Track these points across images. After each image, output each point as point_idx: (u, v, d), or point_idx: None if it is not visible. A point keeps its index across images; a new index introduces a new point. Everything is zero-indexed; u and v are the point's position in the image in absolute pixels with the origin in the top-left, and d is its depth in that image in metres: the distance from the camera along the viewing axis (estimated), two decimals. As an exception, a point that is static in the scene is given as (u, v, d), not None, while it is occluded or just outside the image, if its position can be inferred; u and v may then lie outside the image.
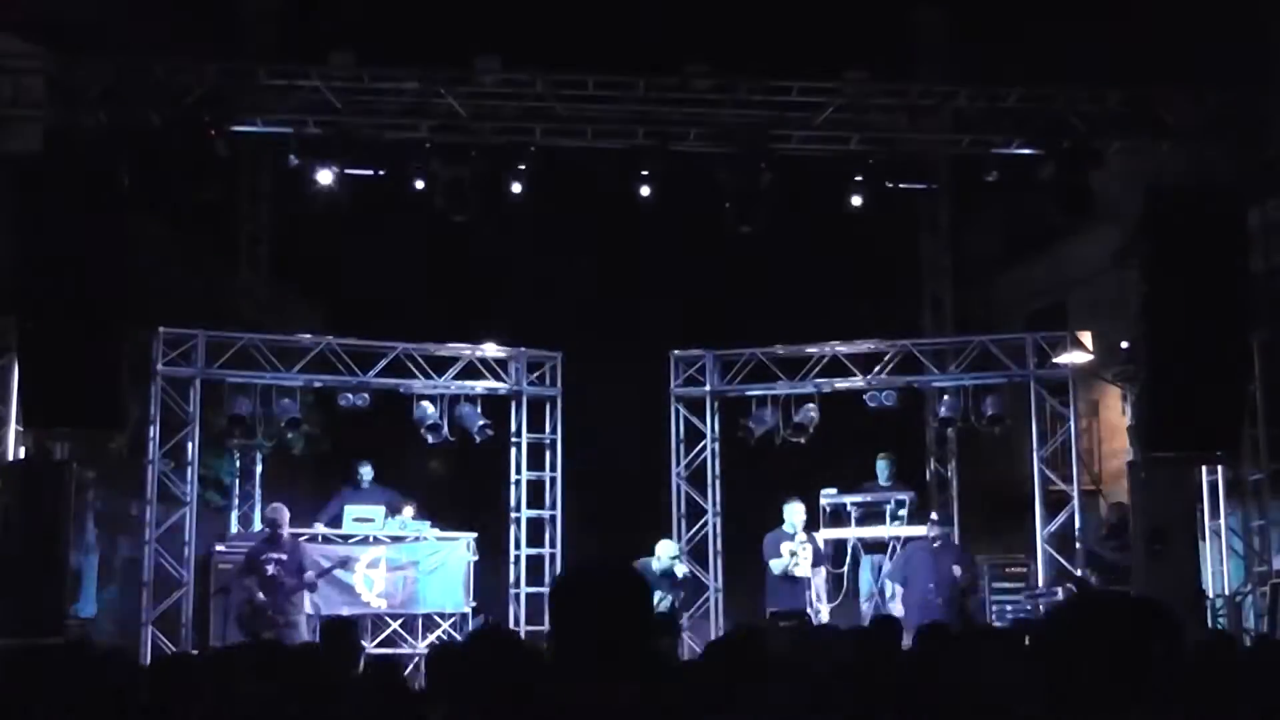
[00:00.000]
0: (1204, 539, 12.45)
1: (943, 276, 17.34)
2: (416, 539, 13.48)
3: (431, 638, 13.13)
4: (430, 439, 13.89)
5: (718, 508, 14.56)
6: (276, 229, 16.71)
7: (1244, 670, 4.75)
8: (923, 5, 16.75)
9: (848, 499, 13.61)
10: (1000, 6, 14.83)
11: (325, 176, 11.50)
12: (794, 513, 12.58)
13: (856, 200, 12.06)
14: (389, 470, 14.22)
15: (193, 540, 12.96)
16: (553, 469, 14.60)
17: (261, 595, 11.53)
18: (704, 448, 14.63)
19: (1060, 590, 12.48)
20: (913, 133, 12.25)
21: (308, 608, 12.12)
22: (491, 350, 14.43)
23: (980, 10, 15.11)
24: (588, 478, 14.94)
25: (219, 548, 13.04)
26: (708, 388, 14.67)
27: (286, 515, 12.02)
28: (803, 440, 14.03)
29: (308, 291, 17.97)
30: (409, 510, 13.75)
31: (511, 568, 14.28)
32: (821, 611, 12.60)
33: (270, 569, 11.58)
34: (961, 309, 17.13)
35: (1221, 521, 12.63)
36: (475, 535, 13.74)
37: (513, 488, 14.58)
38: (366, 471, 13.82)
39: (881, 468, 13.89)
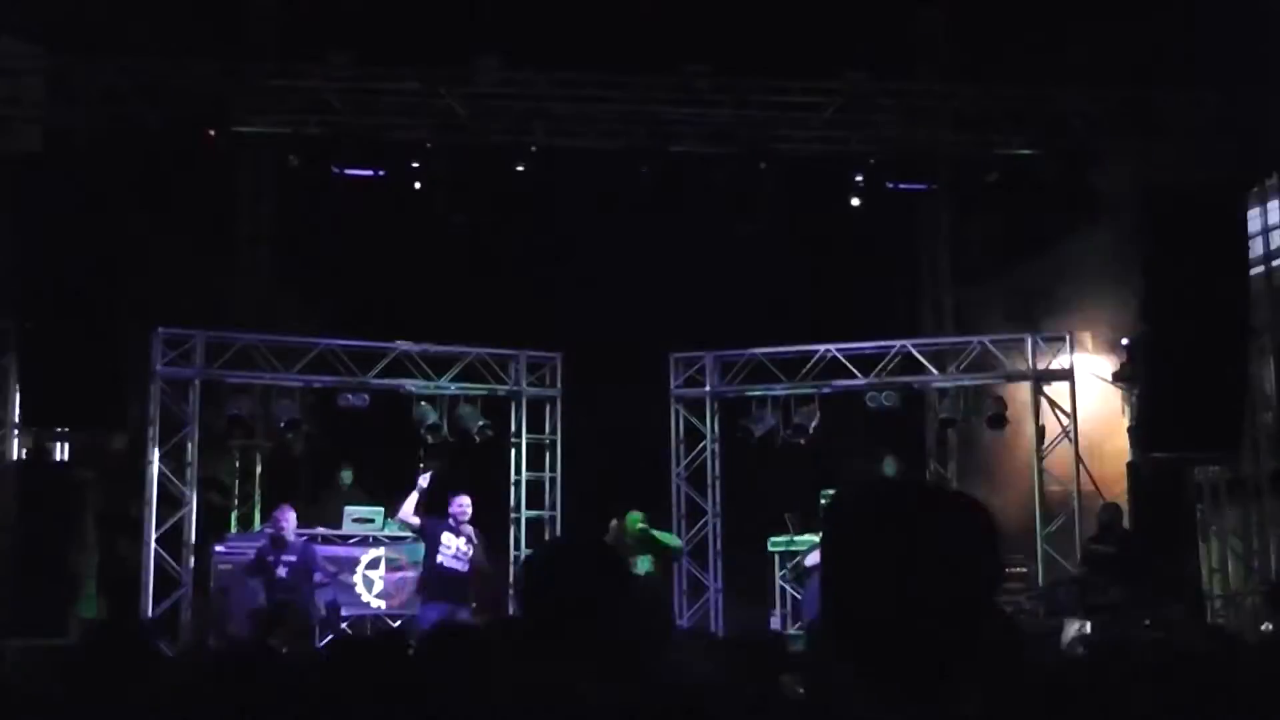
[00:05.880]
0: (1204, 539, 12.45)
1: (943, 276, 17.31)
2: (415, 539, 13.46)
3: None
4: (430, 439, 13.89)
5: (718, 508, 14.55)
6: (276, 229, 16.68)
7: (1246, 671, 4.74)
8: (923, 5, 16.72)
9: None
10: (1000, 6, 14.79)
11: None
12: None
13: (856, 200, 12.06)
14: (389, 470, 14.19)
15: (192, 540, 12.96)
16: (552, 469, 14.59)
17: (268, 597, 11.52)
18: (704, 448, 14.62)
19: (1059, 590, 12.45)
20: (913, 133, 12.25)
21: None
22: (491, 351, 14.42)
23: (980, 10, 15.07)
24: (587, 478, 14.91)
25: (219, 548, 13.03)
26: (707, 388, 14.66)
27: (293, 517, 12.01)
28: (803, 440, 14.01)
29: (308, 291, 17.93)
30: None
31: (511, 568, 14.25)
32: None
33: (280, 570, 11.57)
34: (961, 309, 17.10)
35: (1222, 521, 12.63)
36: (475, 536, 13.71)
37: (513, 488, 14.57)
38: (347, 475, 13.87)
39: (888, 465, 13.86)
